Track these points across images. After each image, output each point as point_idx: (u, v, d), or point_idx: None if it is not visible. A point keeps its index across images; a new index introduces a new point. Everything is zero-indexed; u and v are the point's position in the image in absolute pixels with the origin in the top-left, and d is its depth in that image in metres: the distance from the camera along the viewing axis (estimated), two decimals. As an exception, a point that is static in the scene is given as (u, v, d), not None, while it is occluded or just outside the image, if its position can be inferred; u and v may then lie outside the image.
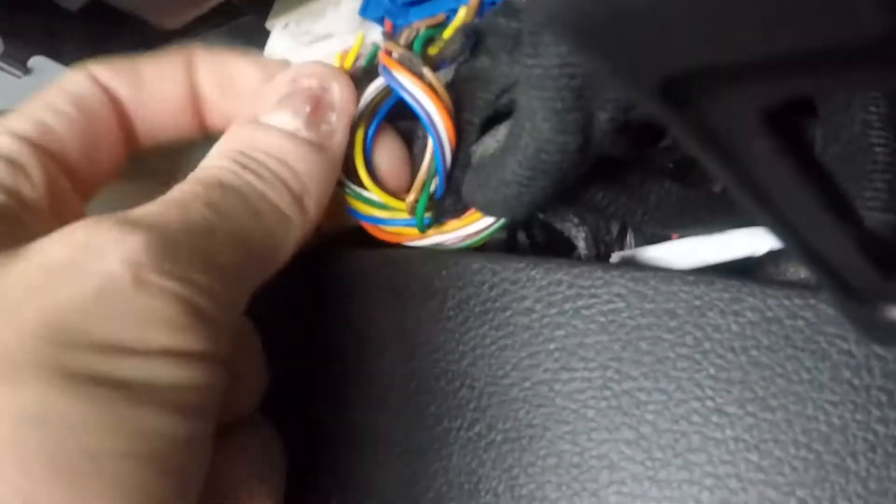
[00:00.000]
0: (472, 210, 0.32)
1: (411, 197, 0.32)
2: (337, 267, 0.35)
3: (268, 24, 0.39)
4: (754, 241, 0.33)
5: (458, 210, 0.33)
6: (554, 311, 0.29)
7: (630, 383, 0.28)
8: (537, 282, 0.30)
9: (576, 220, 0.31)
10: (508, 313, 0.30)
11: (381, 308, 0.33)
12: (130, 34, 0.42)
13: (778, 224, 0.19)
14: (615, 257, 0.33)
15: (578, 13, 0.14)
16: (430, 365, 0.31)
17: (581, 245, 0.31)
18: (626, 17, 0.13)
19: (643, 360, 0.28)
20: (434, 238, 0.33)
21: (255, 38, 0.40)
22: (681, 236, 0.34)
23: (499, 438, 0.29)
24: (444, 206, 0.32)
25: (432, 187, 0.32)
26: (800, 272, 0.35)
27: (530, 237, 0.40)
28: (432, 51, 0.32)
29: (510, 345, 0.30)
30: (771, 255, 0.33)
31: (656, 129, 0.32)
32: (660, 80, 0.15)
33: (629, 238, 0.35)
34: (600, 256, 0.32)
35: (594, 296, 0.29)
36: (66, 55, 0.40)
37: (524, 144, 0.28)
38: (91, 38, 0.42)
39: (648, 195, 0.31)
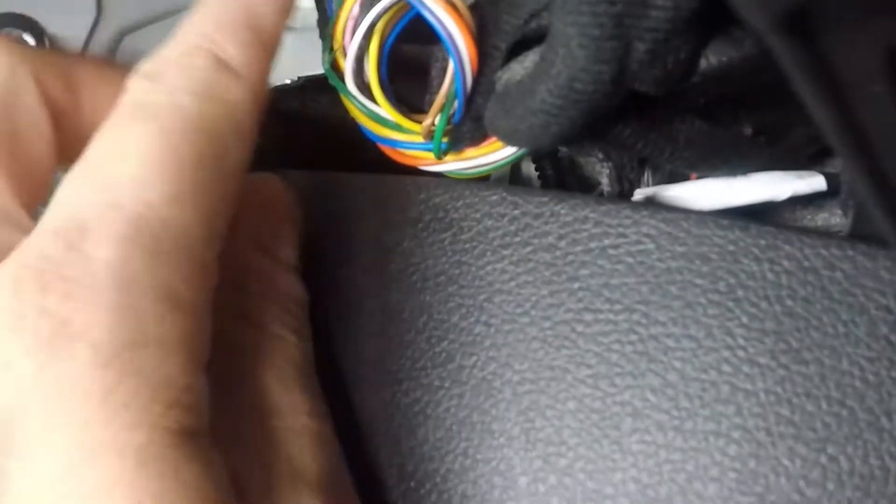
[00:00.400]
0: (492, 138, 0.31)
1: (427, 121, 0.31)
2: (344, 190, 0.33)
3: None
4: (777, 186, 0.32)
5: (477, 138, 0.31)
6: (579, 248, 0.28)
7: (658, 328, 0.27)
8: (561, 217, 0.29)
9: (601, 156, 0.30)
10: (529, 249, 0.29)
11: (390, 236, 0.32)
12: None
13: (865, 171, 0.18)
14: (637, 194, 0.31)
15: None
16: (444, 299, 0.30)
17: (604, 181, 0.30)
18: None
19: (672, 304, 0.27)
20: (451, 164, 0.31)
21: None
22: (700, 176, 0.34)
23: (515, 379, 0.28)
24: (461, 133, 0.31)
25: (450, 111, 0.31)
26: (816, 220, 0.35)
27: (539, 169, 0.38)
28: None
29: (530, 282, 0.29)
30: (789, 201, 0.33)
31: (688, 64, 0.31)
32: (789, 10, 0.14)
33: (647, 176, 0.34)
34: (623, 194, 0.31)
35: (622, 235, 0.28)
36: None
37: (556, 72, 0.26)
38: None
39: (677, 134, 0.30)
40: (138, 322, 0.23)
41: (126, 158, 0.24)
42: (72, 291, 0.22)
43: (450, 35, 0.29)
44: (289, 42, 0.42)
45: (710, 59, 0.30)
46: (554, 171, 0.37)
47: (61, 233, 0.23)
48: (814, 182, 0.32)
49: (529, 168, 0.37)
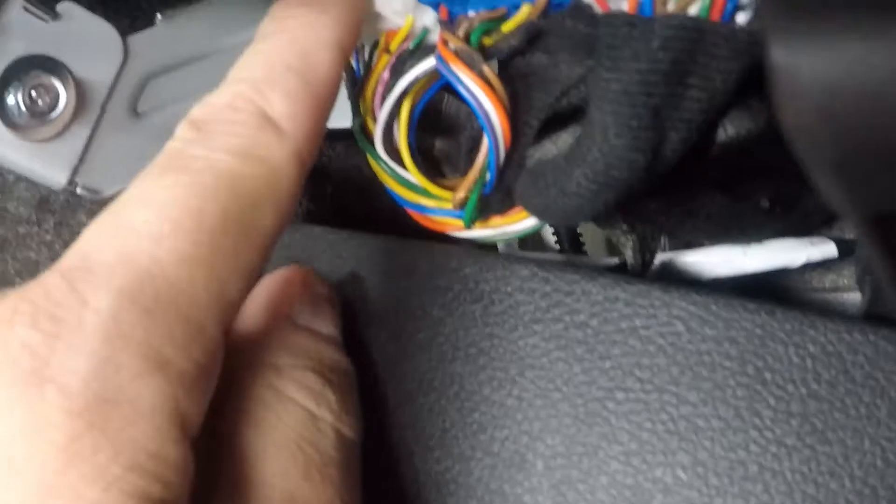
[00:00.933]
0: (518, 208, 0.32)
1: (461, 195, 0.32)
2: (372, 251, 0.34)
3: None
4: (791, 253, 0.34)
5: (504, 208, 0.32)
6: (610, 328, 0.30)
7: (688, 408, 0.28)
8: (593, 296, 0.30)
9: (625, 228, 0.32)
10: (561, 326, 0.30)
11: (419, 303, 0.33)
12: None
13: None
14: (658, 259, 0.33)
15: (841, 147, 0.14)
16: (475, 370, 0.31)
17: (628, 253, 0.32)
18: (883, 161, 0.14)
19: (702, 385, 0.28)
20: (478, 232, 0.32)
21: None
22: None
23: (547, 453, 0.30)
24: (490, 203, 0.32)
25: (482, 184, 0.32)
26: (825, 281, 0.36)
27: (556, 234, 0.40)
28: (487, 41, 0.31)
29: (563, 358, 0.30)
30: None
31: (708, 137, 0.32)
32: (879, 211, 0.15)
33: (664, 241, 0.35)
34: (645, 264, 0.32)
35: (653, 316, 0.29)
36: (104, 4, 0.39)
37: (593, 159, 0.28)
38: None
39: (699, 208, 0.32)
40: (116, 378, 0.22)
41: (148, 208, 0.24)
42: (58, 333, 0.22)
43: (485, 112, 0.30)
44: None
45: (729, 130, 0.32)
46: (569, 234, 0.38)
47: (67, 273, 0.23)
48: (826, 249, 0.34)
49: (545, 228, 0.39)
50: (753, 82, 0.27)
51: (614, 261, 0.35)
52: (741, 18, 0.27)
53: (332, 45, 0.28)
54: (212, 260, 0.24)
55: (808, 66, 0.16)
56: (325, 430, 0.29)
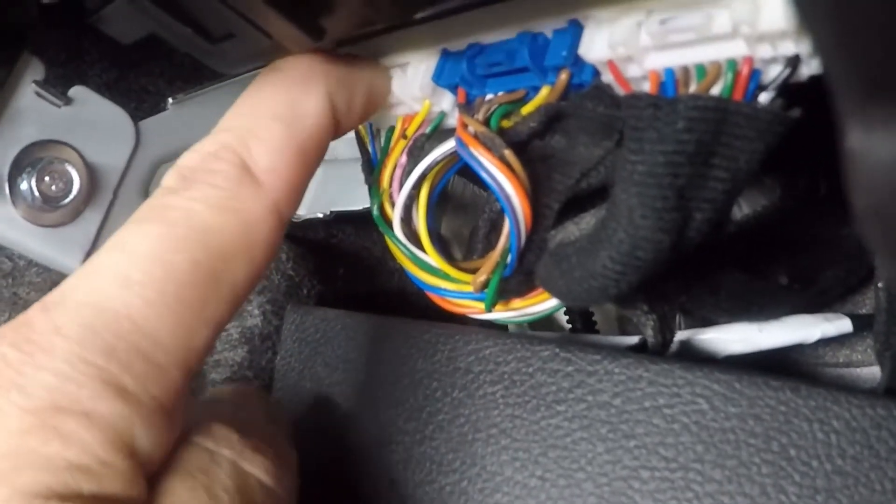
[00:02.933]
0: (538, 290, 0.33)
1: (482, 278, 0.33)
2: (388, 336, 0.36)
3: None
4: (807, 330, 0.36)
5: (524, 290, 0.34)
6: (634, 407, 0.31)
7: (713, 486, 0.30)
8: (615, 376, 0.31)
9: (645, 308, 0.33)
10: (584, 406, 0.32)
11: (439, 384, 0.34)
12: (181, 72, 0.42)
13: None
14: (677, 337, 0.34)
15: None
16: (497, 451, 0.32)
17: (648, 333, 0.33)
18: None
19: (727, 463, 0.30)
20: (498, 314, 0.34)
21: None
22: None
23: (573, 534, 0.31)
24: (509, 286, 0.34)
25: (503, 267, 0.33)
26: (838, 356, 0.38)
27: (568, 313, 0.41)
28: (506, 124, 0.33)
29: (586, 438, 0.31)
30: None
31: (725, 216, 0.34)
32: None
33: (679, 319, 0.37)
34: (665, 343, 0.34)
35: (676, 395, 0.31)
36: (111, 87, 0.40)
37: (618, 240, 0.29)
38: (152, 72, 0.42)
39: (719, 286, 0.33)
40: (76, 393, 0.25)
41: (122, 254, 0.27)
42: (33, 352, 0.26)
43: (507, 195, 0.32)
44: (317, 173, 0.44)
45: (744, 208, 0.33)
46: (582, 314, 0.40)
47: (47, 307, 0.27)
48: (841, 325, 0.35)
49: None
50: (767, 160, 0.29)
51: (633, 340, 0.36)
52: (763, 98, 0.28)
53: (322, 95, 0.30)
54: (178, 308, 0.27)
55: (884, 150, 0.17)
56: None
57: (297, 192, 0.30)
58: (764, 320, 0.35)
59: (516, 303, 0.34)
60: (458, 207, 0.43)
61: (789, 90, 0.27)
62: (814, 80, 0.27)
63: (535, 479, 0.32)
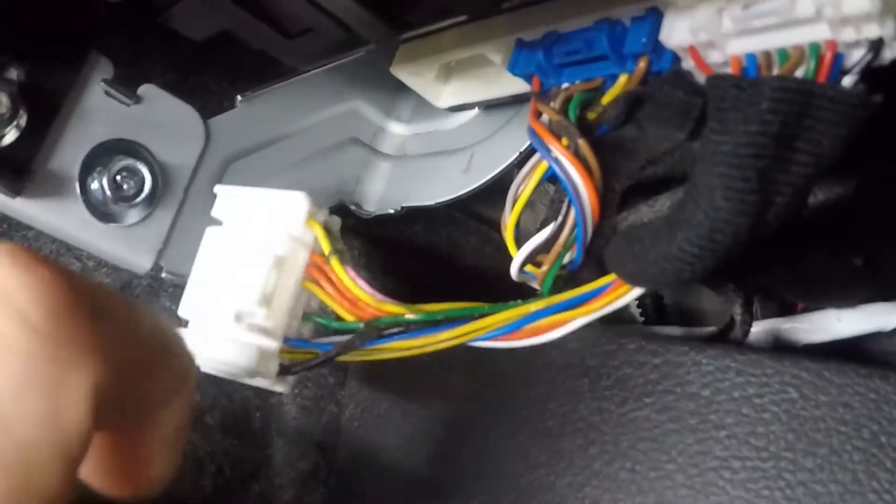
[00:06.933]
0: (615, 282, 0.36)
1: (545, 268, 0.36)
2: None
3: (393, 70, 0.42)
4: (884, 317, 0.39)
5: (595, 277, 0.36)
6: (723, 397, 0.34)
7: (805, 474, 0.33)
8: (703, 367, 0.35)
9: (733, 287, 0.36)
10: (672, 397, 0.35)
11: (523, 381, 0.37)
12: (243, 72, 0.45)
13: None
14: (756, 327, 0.38)
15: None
16: (585, 444, 0.36)
17: (737, 311, 0.36)
18: None
19: (818, 451, 0.33)
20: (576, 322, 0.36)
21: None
22: (805, 308, 0.40)
23: (665, 525, 0.34)
24: (581, 277, 0.36)
25: (566, 259, 0.36)
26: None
27: (641, 305, 0.45)
28: (591, 115, 0.36)
29: (675, 429, 0.35)
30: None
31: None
32: None
33: (756, 308, 0.40)
34: (748, 324, 0.37)
35: (765, 385, 0.34)
36: (174, 88, 0.43)
37: (697, 222, 0.31)
38: (215, 71, 0.44)
39: (798, 267, 0.36)
40: None
41: None
42: None
43: (575, 188, 0.34)
44: (387, 169, 0.48)
45: (819, 195, 0.36)
46: (655, 304, 0.43)
47: None
48: (918, 313, 0.39)
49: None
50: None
51: (711, 330, 0.39)
52: (847, 81, 0.30)
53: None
54: None
55: None
56: None
57: None
58: (839, 307, 0.39)
59: (596, 303, 0.37)
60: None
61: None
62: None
63: (624, 471, 0.35)
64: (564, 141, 0.35)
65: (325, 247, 0.38)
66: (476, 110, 0.46)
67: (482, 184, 0.43)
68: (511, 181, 0.39)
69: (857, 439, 0.33)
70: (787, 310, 0.40)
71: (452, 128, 0.48)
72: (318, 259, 0.38)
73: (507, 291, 0.38)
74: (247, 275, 0.36)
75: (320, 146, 0.48)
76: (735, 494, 0.34)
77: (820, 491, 0.33)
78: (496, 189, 0.42)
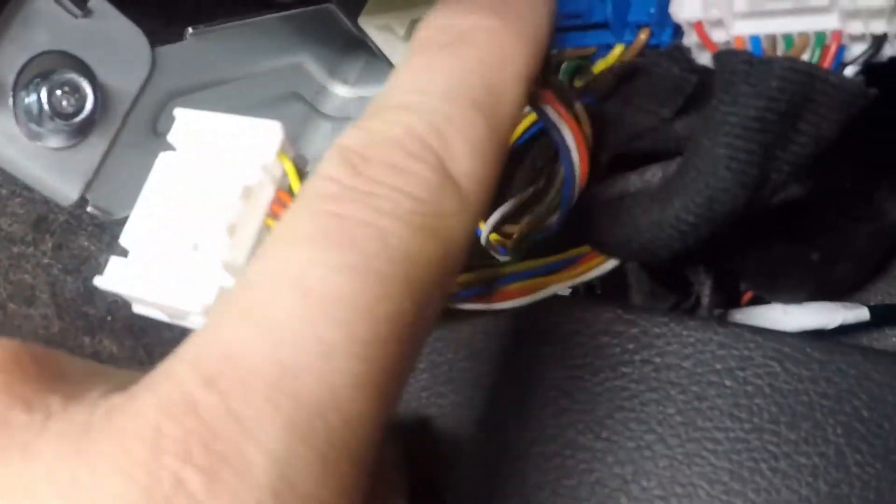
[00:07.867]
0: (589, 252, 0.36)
1: (522, 229, 0.35)
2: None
3: (361, 21, 0.40)
4: (828, 315, 0.41)
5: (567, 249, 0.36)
6: (705, 369, 0.35)
7: (789, 446, 0.34)
8: (684, 338, 0.35)
9: (703, 267, 0.37)
10: (650, 367, 0.35)
11: (496, 348, 0.36)
12: (209, 4, 0.42)
13: None
14: (733, 315, 0.39)
15: None
16: (557, 412, 0.35)
17: (705, 292, 0.37)
18: None
19: (802, 424, 0.34)
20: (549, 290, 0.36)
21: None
22: (752, 300, 0.41)
23: (643, 496, 0.34)
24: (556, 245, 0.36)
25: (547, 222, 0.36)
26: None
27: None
28: (578, 83, 0.36)
29: (655, 400, 0.35)
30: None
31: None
32: None
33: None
34: (718, 305, 0.38)
35: (748, 358, 0.35)
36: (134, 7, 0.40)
37: (697, 190, 0.32)
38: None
39: (769, 260, 0.37)
40: None
41: (308, 301, 0.21)
42: (220, 474, 0.19)
43: (568, 151, 0.34)
44: (328, 130, 0.46)
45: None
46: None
47: (215, 382, 0.20)
48: (859, 313, 0.41)
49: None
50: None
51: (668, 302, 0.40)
52: (848, 72, 0.32)
53: (524, 79, 0.26)
54: (383, 381, 0.21)
55: None
56: None
57: (489, 205, 0.25)
58: (789, 301, 0.40)
59: (569, 272, 0.36)
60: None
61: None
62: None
63: (600, 441, 0.35)
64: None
65: (295, 184, 0.36)
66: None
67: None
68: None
69: (840, 413, 0.34)
70: (733, 302, 0.41)
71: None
72: (285, 196, 0.36)
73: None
74: (211, 203, 0.34)
75: (263, 96, 0.46)
76: (719, 465, 0.34)
77: (804, 463, 0.34)
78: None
